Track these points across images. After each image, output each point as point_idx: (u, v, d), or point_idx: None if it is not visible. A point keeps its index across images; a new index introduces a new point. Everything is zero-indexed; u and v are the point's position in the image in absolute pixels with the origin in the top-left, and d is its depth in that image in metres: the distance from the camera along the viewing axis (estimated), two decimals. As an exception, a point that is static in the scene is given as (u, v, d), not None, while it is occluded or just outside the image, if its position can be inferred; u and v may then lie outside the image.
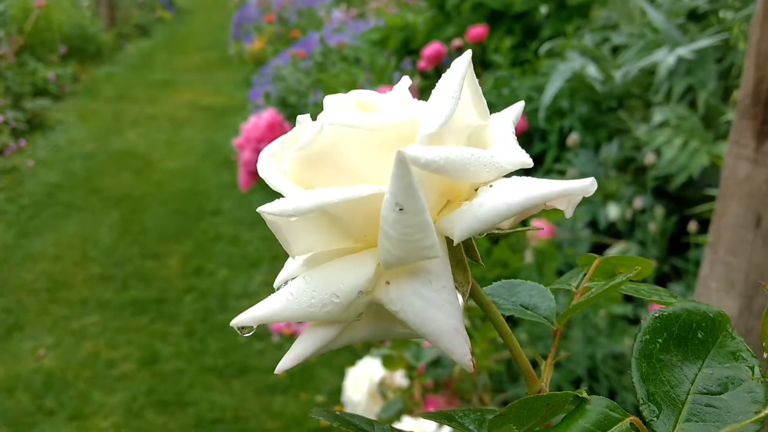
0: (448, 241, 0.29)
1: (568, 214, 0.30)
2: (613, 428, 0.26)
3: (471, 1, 3.31)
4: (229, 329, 2.52)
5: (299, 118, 0.33)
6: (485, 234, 0.31)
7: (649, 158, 1.90)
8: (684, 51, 2.00)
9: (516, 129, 1.45)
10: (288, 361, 0.30)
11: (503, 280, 0.39)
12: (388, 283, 0.28)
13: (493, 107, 1.40)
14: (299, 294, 0.29)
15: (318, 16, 6.34)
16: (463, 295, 0.30)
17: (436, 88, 0.30)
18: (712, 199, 1.91)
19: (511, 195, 0.27)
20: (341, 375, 2.22)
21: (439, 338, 0.28)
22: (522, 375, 0.34)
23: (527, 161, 0.30)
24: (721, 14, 2.46)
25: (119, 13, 8.98)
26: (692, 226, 1.67)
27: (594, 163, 2.17)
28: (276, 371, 0.31)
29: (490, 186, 0.28)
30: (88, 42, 7.40)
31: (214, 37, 9.85)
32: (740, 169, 0.80)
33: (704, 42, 2.05)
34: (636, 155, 2.21)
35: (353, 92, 0.33)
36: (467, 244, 0.31)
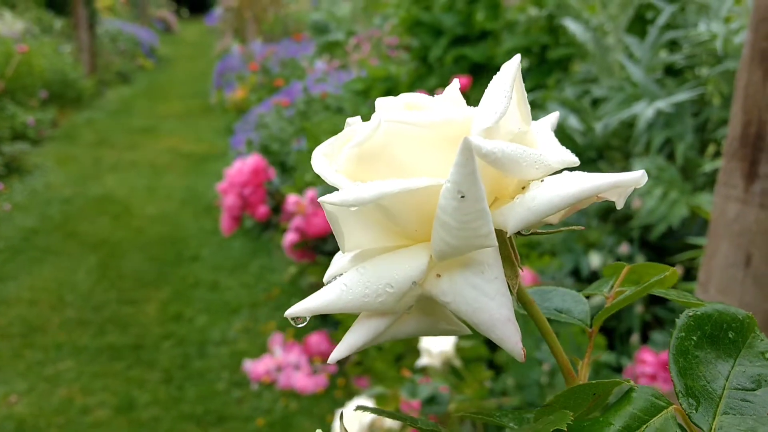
0: (498, 236, 0.29)
1: (619, 205, 0.31)
2: (659, 415, 0.27)
3: (453, 54, 3.38)
4: (207, 376, 2.48)
5: (349, 120, 0.34)
6: (532, 231, 0.32)
7: (636, 203, 1.93)
8: (662, 104, 2.06)
9: None
10: (341, 350, 0.31)
11: (535, 287, 0.40)
12: (439, 275, 0.29)
13: None
14: (353, 285, 0.29)
15: (301, 66, 6.44)
16: (512, 289, 0.30)
17: (487, 90, 0.32)
18: (692, 247, 1.94)
19: (565, 187, 0.28)
20: (321, 423, 2.18)
21: (492, 327, 0.28)
22: (561, 372, 0.34)
23: (574, 160, 0.31)
24: (697, 71, 2.54)
25: (100, 60, 9.03)
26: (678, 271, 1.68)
27: (576, 213, 2.20)
28: (329, 361, 0.31)
29: (541, 181, 0.29)
30: (68, 87, 7.41)
31: (195, 86, 9.93)
32: (730, 209, 0.82)
33: (681, 96, 2.12)
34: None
35: (403, 95, 0.34)
36: (511, 243, 0.32)
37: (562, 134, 2.51)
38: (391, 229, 0.30)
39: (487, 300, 0.28)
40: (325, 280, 0.32)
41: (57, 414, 2.30)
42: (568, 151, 0.32)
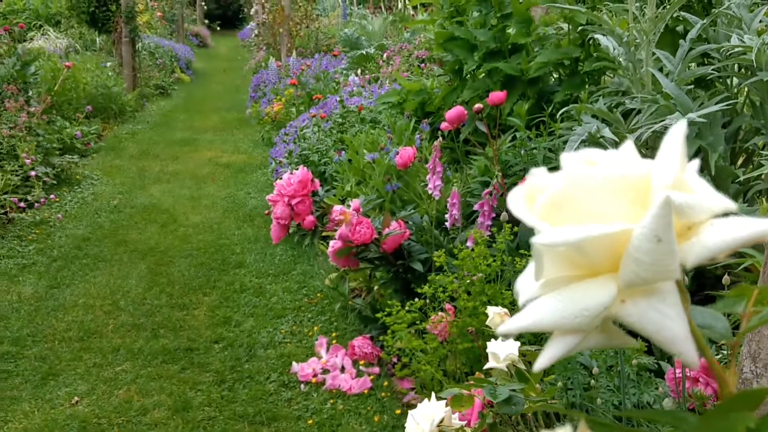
0: None
1: None
2: None
3: (487, 67, 3.49)
4: (257, 378, 2.61)
5: (533, 170, 0.40)
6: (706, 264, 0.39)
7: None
8: (695, 116, 2.15)
9: None
10: (543, 361, 0.37)
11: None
12: (623, 301, 0.36)
13: (512, 167, 1.62)
14: (553, 309, 0.36)
15: (334, 79, 6.59)
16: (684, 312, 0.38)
17: (661, 148, 0.38)
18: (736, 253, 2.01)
19: (735, 231, 0.35)
20: (368, 423, 2.30)
21: (674, 343, 0.35)
22: (716, 380, 0.41)
23: (732, 206, 0.37)
24: (727, 82, 2.62)
25: (140, 75, 9.30)
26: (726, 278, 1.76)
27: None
28: (535, 369, 0.39)
29: (711, 224, 0.36)
30: (111, 101, 7.67)
31: (231, 99, 10.15)
32: None
33: (714, 107, 2.20)
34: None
35: (582, 151, 0.40)
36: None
37: (596, 145, 2.60)
38: (578, 262, 0.37)
39: (669, 321, 0.35)
40: (521, 303, 0.39)
41: (117, 414, 2.44)
42: (723, 196, 0.38)
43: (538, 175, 0.40)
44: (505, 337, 0.41)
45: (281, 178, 4.38)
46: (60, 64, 7.04)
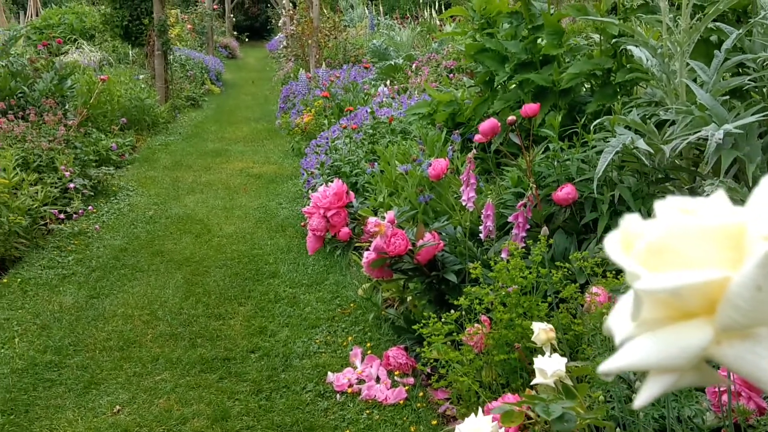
0: None
1: None
2: None
3: (518, 78, 3.51)
4: (293, 387, 2.64)
5: (627, 217, 0.42)
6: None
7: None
8: (730, 127, 2.14)
9: (567, 198, 1.68)
10: (643, 400, 0.39)
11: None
12: (719, 342, 0.38)
13: (545, 178, 1.65)
14: (651, 350, 0.38)
15: (363, 90, 6.64)
16: None
17: (753, 195, 0.40)
18: None
19: None
20: (404, 432, 2.32)
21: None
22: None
23: None
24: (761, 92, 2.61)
25: (172, 86, 9.46)
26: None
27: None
28: (635, 407, 0.41)
29: None
30: (144, 113, 7.82)
31: (260, 110, 10.28)
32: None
33: (750, 118, 2.19)
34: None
35: (673, 199, 0.42)
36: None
37: (630, 156, 2.61)
38: (674, 305, 0.39)
39: (765, 362, 0.37)
40: (618, 342, 0.41)
41: (158, 423, 2.49)
42: None
43: (632, 221, 0.41)
44: (606, 375, 0.43)
45: (314, 189, 4.44)
46: (95, 77, 7.20)
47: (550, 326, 1.31)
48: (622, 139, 2.52)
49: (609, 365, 0.40)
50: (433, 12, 14.92)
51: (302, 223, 4.01)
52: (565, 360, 1.07)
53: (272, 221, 4.81)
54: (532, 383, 1.10)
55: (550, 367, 1.05)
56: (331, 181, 4.17)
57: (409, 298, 3.02)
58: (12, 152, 4.43)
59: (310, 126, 6.55)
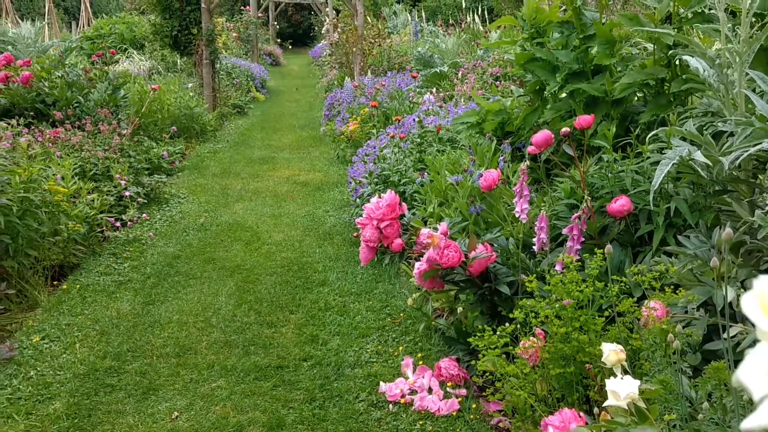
0: None
1: None
2: None
3: (569, 88, 3.49)
4: (346, 397, 2.67)
5: (762, 278, 0.44)
6: None
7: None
8: (794, 140, 2.10)
9: (622, 210, 1.70)
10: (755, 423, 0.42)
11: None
12: None
13: (599, 189, 1.67)
14: None
15: (409, 98, 6.67)
16: None
17: None
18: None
19: None
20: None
21: None
22: None
23: None
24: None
25: (219, 94, 9.63)
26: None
27: (707, 246, 2.25)
28: (741, 427, 0.42)
29: None
30: (193, 121, 7.98)
31: (304, 117, 10.39)
32: None
33: (813, 131, 2.15)
34: (746, 238, 2.29)
35: None
36: None
37: (687, 168, 2.57)
38: None
39: None
40: (756, 398, 0.43)
41: (215, 430, 2.54)
42: None
43: (764, 281, 0.43)
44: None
45: (362, 198, 4.48)
46: (147, 86, 7.39)
47: (620, 347, 1.31)
48: (679, 151, 2.49)
49: (752, 423, 0.40)
50: (476, 17, 14.89)
51: (354, 234, 4.06)
52: (638, 383, 1.07)
53: (320, 229, 4.87)
54: (604, 405, 1.10)
55: (623, 389, 1.05)
56: (380, 191, 4.21)
57: (459, 309, 3.03)
58: (70, 161, 4.57)
59: (356, 134, 6.60)
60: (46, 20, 12.68)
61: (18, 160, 3.85)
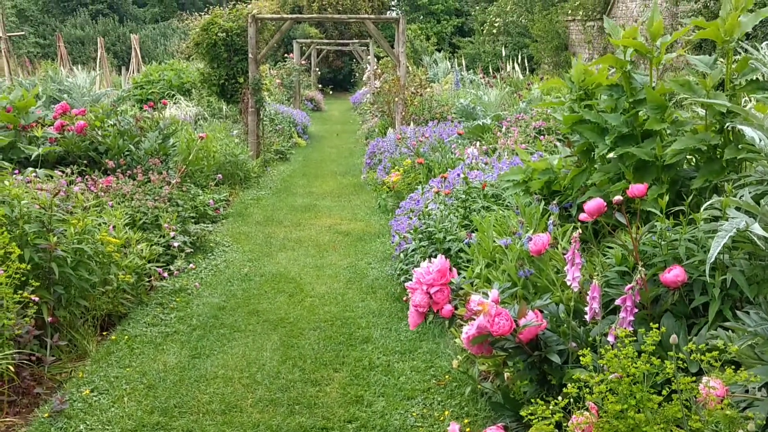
0: None
1: None
2: None
3: (619, 151, 3.48)
4: (393, 463, 2.64)
5: None
6: None
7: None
8: None
9: (676, 280, 1.69)
10: None
11: None
12: None
13: (651, 257, 1.67)
14: None
15: (451, 150, 6.71)
16: None
17: None
18: None
19: None
20: None
21: None
22: None
23: None
24: None
25: (262, 141, 9.81)
26: None
27: (768, 324, 2.20)
28: None
29: None
30: (238, 168, 8.14)
31: (345, 163, 10.51)
32: None
33: None
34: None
35: None
36: None
37: (744, 239, 2.54)
38: None
39: None
40: None
41: (260, 489, 2.54)
42: None
43: None
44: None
45: (405, 254, 4.48)
46: (194, 134, 7.57)
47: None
48: (736, 222, 2.46)
49: None
50: (516, 65, 15.02)
51: (404, 298, 4.06)
52: None
53: (362, 282, 4.88)
54: None
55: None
56: (425, 247, 4.21)
57: (507, 374, 3.00)
58: (121, 211, 4.69)
59: (398, 185, 6.65)
60: (98, 69, 13.13)
61: (72, 209, 3.96)
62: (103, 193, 4.98)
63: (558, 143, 5.47)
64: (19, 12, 34.27)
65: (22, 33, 23.84)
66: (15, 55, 13.88)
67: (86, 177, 5.32)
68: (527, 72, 16.89)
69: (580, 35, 17.26)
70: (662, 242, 2.81)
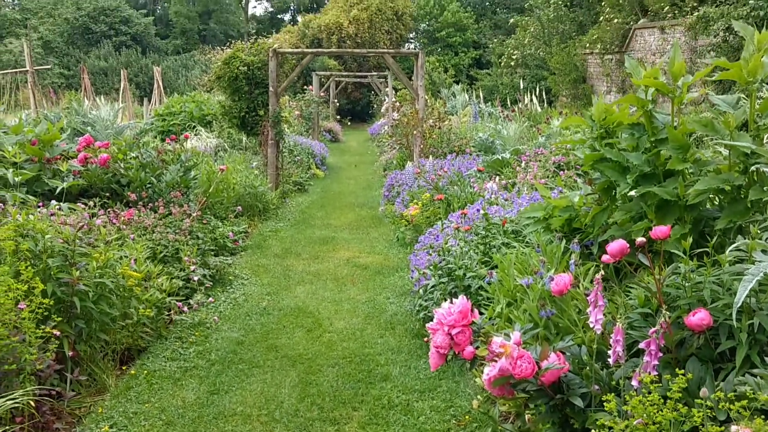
0: None
1: None
2: None
3: (641, 191, 3.46)
4: (412, 507, 2.60)
5: None
6: None
7: None
8: None
9: (701, 324, 1.67)
10: None
11: None
12: None
13: (675, 299, 1.65)
14: None
15: (470, 184, 6.71)
16: None
17: None
18: None
19: None
20: None
21: None
22: None
23: None
24: None
25: (281, 172, 9.88)
26: None
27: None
28: None
29: None
30: (257, 200, 8.19)
31: (363, 195, 10.54)
32: None
33: None
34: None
35: None
36: None
37: (770, 283, 2.50)
38: None
39: None
40: None
41: None
42: None
43: None
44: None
45: (425, 290, 4.46)
46: (215, 166, 7.65)
47: None
48: (763, 266, 2.43)
49: None
50: (534, 98, 15.07)
51: (426, 339, 4.04)
52: None
53: (381, 317, 4.86)
54: None
55: None
56: (444, 284, 4.19)
57: (528, 416, 2.96)
58: (142, 244, 4.72)
59: (417, 218, 6.65)
60: (121, 100, 13.35)
61: (94, 242, 3.99)
62: (124, 226, 5.03)
63: (578, 179, 5.45)
64: (45, 43, 35.09)
65: (49, 66, 24.36)
66: (40, 85, 14.15)
67: (108, 210, 5.38)
68: (545, 104, 16.94)
69: (598, 68, 17.31)
70: (686, 284, 2.78)
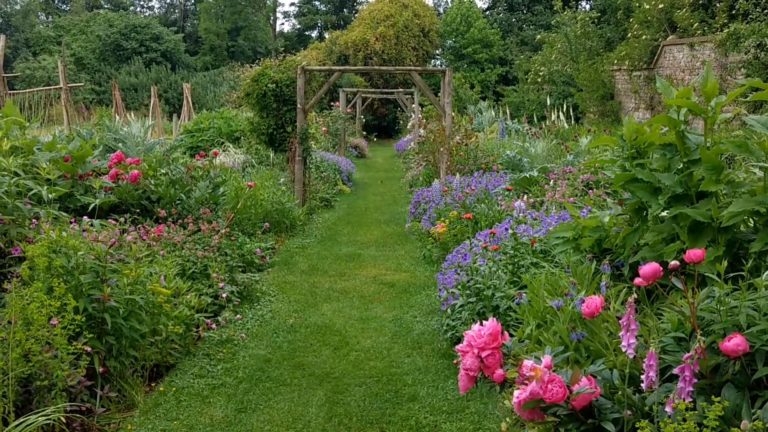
0: None
1: None
2: None
3: (673, 212, 3.42)
4: None
5: None
6: None
7: None
8: None
9: (737, 349, 1.64)
10: None
11: None
12: None
13: (709, 324, 1.61)
14: None
15: (498, 202, 6.68)
16: None
17: None
18: None
19: None
20: None
21: None
22: None
23: None
24: None
25: (308, 188, 9.93)
26: None
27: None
28: None
29: None
30: (284, 216, 8.23)
31: (389, 211, 10.54)
32: None
33: None
34: None
35: None
36: None
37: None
38: None
39: None
40: None
41: None
42: None
43: None
44: None
45: (453, 309, 4.44)
46: (243, 182, 7.71)
47: None
48: (801, 292, 2.38)
49: None
50: (561, 114, 14.99)
51: (455, 361, 4.01)
52: None
53: (408, 336, 4.84)
54: None
55: None
56: (473, 303, 4.17)
57: (558, 441, 2.91)
58: (171, 260, 4.77)
59: (444, 236, 6.63)
60: (150, 116, 13.55)
61: (125, 258, 4.04)
62: (154, 243, 5.08)
63: (607, 197, 5.40)
64: (77, 60, 35.84)
65: (82, 84, 24.87)
66: (72, 101, 14.43)
67: (139, 226, 5.44)
68: (572, 121, 16.84)
69: (626, 84, 17.19)
70: (721, 308, 2.73)
